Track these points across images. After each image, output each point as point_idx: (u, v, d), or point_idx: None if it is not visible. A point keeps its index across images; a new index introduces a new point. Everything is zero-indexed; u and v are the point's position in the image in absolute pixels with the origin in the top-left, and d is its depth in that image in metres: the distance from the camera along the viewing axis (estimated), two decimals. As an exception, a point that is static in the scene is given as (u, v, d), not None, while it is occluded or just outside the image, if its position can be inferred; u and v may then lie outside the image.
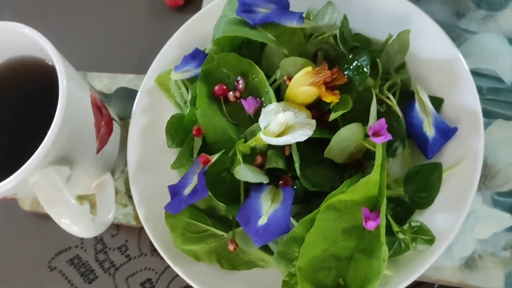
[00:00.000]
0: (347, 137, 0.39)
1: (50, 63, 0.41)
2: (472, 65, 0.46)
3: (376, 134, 0.38)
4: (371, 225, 0.36)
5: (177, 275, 0.48)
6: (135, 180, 0.47)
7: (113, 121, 0.48)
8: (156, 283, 0.49)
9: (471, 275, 0.41)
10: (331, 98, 0.40)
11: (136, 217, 0.50)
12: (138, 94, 0.50)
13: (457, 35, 0.48)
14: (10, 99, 0.43)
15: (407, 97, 0.43)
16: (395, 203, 0.41)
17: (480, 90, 0.45)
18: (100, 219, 0.42)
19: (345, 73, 0.41)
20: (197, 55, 0.47)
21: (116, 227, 0.52)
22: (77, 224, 0.38)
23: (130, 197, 0.51)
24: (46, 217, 0.45)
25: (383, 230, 0.36)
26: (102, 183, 0.47)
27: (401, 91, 0.43)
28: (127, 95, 0.54)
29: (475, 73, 0.46)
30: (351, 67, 0.41)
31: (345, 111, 0.39)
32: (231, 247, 0.43)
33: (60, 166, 0.38)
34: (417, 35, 0.44)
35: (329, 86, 0.40)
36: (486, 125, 0.44)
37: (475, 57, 0.46)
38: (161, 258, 0.50)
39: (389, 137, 0.37)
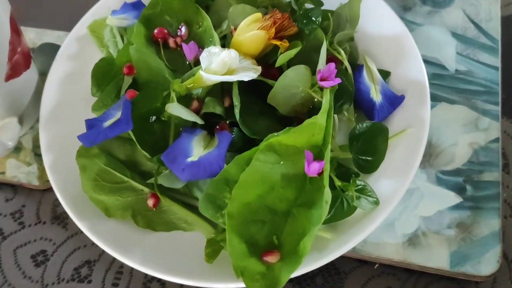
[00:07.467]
0: (293, 80, 0.36)
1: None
2: (417, 52, 0.46)
3: (324, 79, 0.35)
4: (314, 169, 0.32)
5: (80, 247, 0.41)
6: (46, 126, 0.40)
7: (32, 62, 0.42)
8: (51, 256, 0.40)
9: (414, 252, 0.37)
10: (279, 43, 0.37)
11: (40, 177, 0.42)
12: (66, 39, 0.45)
13: (403, 25, 0.48)
14: None
15: (355, 68, 0.41)
16: (339, 168, 0.37)
17: (425, 75, 0.45)
18: None
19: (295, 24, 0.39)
20: (139, 6, 0.44)
21: (13, 190, 0.44)
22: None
23: (36, 155, 0.44)
24: None
25: (326, 174, 0.32)
26: (6, 127, 0.40)
27: (349, 63, 0.42)
28: (53, 51, 0.49)
29: (421, 60, 0.46)
30: (303, 19, 0.39)
31: (297, 50, 0.36)
32: (150, 202, 0.36)
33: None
34: (368, 14, 0.43)
35: (278, 36, 0.38)
36: (431, 107, 0.43)
37: (421, 46, 0.46)
38: (63, 226, 0.42)
39: (338, 81, 0.35)
